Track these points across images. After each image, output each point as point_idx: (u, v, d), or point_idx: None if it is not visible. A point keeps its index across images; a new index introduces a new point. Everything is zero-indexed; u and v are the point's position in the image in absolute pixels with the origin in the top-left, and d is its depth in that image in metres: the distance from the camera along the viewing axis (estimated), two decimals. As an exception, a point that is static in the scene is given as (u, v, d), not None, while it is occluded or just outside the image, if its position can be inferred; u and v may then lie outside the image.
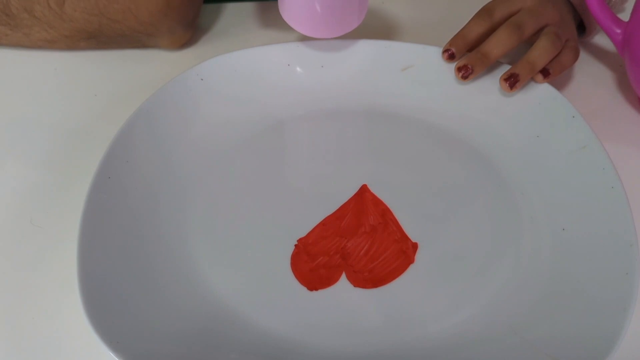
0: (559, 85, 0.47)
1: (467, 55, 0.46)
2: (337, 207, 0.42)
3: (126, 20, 0.49)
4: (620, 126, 0.48)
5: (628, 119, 0.49)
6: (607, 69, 0.53)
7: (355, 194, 0.42)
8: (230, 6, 0.60)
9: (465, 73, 0.46)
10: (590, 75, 0.52)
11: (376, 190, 0.42)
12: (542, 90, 0.45)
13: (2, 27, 0.51)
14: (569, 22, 0.48)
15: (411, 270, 0.38)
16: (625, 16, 0.48)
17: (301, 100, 0.48)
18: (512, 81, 0.45)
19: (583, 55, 0.47)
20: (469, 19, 0.47)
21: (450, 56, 0.47)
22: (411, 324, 0.36)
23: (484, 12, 0.47)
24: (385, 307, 0.37)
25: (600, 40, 0.55)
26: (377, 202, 0.42)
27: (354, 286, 0.38)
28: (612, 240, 0.36)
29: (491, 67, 0.47)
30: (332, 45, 0.48)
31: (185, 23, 0.52)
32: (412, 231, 0.40)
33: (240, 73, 0.48)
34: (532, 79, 0.45)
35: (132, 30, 0.50)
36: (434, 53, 0.48)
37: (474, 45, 0.47)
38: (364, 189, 0.42)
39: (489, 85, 0.46)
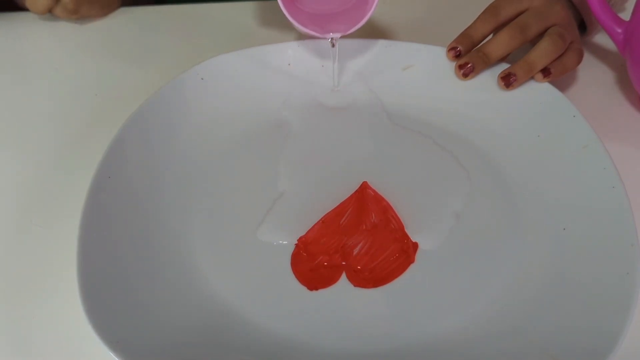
0: (560, 85, 0.46)
1: (468, 53, 0.46)
2: (337, 205, 0.41)
3: None
4: (621, 126, 0.48)
5: (629, 118, 0.48)
6: (608, 68, 0.53)
7: (355, 191, 0.42)
8: (230, 6, 0.60)
9: (466, 71, 0.46)
10: (591, 75, 0.52)
11: (376, 189, 0.42)
12: (543, 90, 0.45)
13: None
14: (573, 22, 0.48)
15: (412, 270, 0.38)
16: (626, 15, 0.47)
17: (301, 99, 0.48)
18: (508, 80, 0.45)
19: (584, 55, 0.47)
20: (470, 18, 0.47)
21: (456, 54, 0.46)
22: (411, 324, 0.36)
23: (491, 10, 0.46)
24: (385, 307, 0.37)
25: (601, 39, 0.55)
26: (379, 199, 0.42)
27: (354, 286, 0.38)
28: (612, 240, 0.36)
29: (492, 66, 0.46)
30: (333, 45, 0.48)
31: None
32: (412, 231, 0.40)
33: (240, 72, 0.48)
34: (532, 77, 0.45)
35: None
36: (435, 52, 0.48)
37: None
38: (364, 186, 0.42)
39: (490, 85, 0.46)
